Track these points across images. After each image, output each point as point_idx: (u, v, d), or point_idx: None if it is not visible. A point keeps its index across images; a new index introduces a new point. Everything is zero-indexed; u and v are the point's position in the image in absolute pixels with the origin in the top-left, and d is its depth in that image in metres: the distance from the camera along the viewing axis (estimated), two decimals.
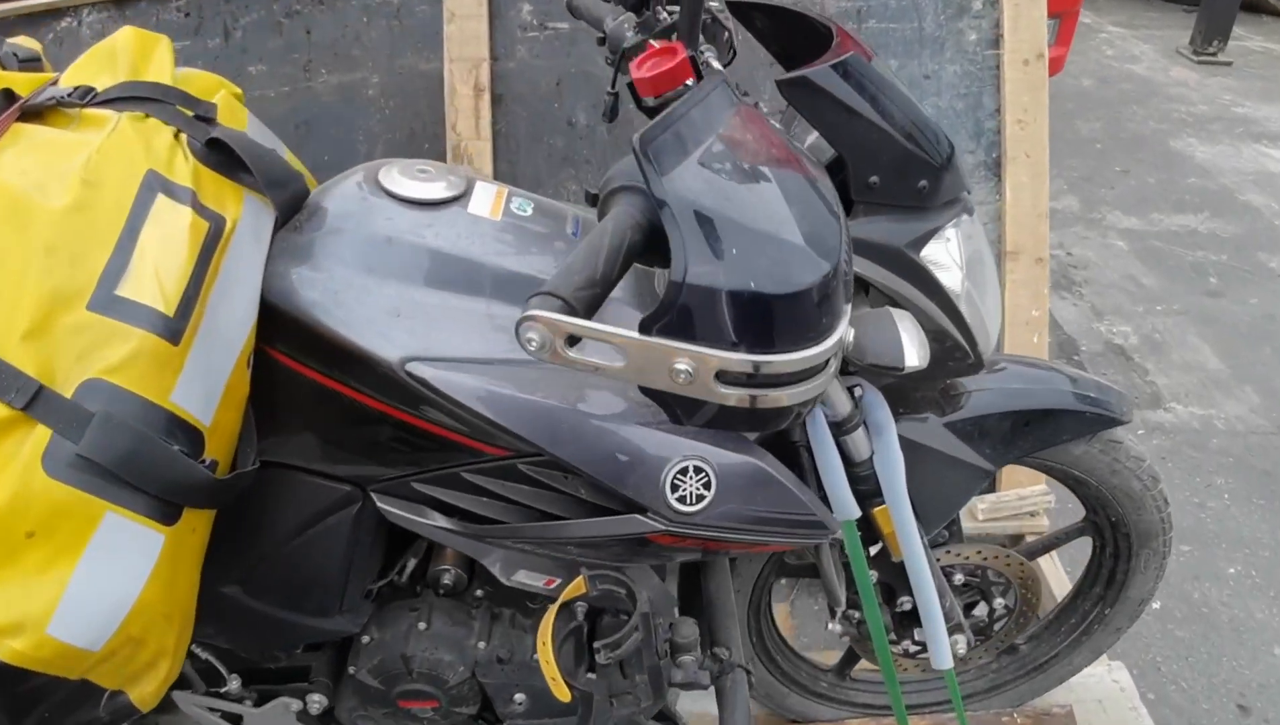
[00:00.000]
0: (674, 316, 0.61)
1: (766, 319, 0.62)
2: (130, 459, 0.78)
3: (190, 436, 0.84)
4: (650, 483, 0.90)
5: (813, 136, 0.95)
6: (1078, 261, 3.48)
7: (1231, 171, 4.27)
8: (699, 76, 0.87)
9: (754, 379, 0.62)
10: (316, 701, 1.24)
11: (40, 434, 0.76)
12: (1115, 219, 3.80)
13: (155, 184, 0.85)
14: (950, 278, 0.95)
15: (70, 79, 0.96)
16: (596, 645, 0.98)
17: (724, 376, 0.62)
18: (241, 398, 0.92)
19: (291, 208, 0.97)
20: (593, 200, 0.74)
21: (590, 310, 0.62)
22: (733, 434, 0.92)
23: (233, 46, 1.89)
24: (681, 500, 0.91)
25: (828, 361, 0.65)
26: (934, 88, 1.94)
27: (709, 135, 0.68)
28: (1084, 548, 1.51)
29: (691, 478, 0.91)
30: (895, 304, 0.92)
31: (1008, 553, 1.34)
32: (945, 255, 0.94)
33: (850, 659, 1.53)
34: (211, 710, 1.25)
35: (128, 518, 0.80)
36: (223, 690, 1.23)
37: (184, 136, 0.92)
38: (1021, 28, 1.92)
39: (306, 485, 1.05)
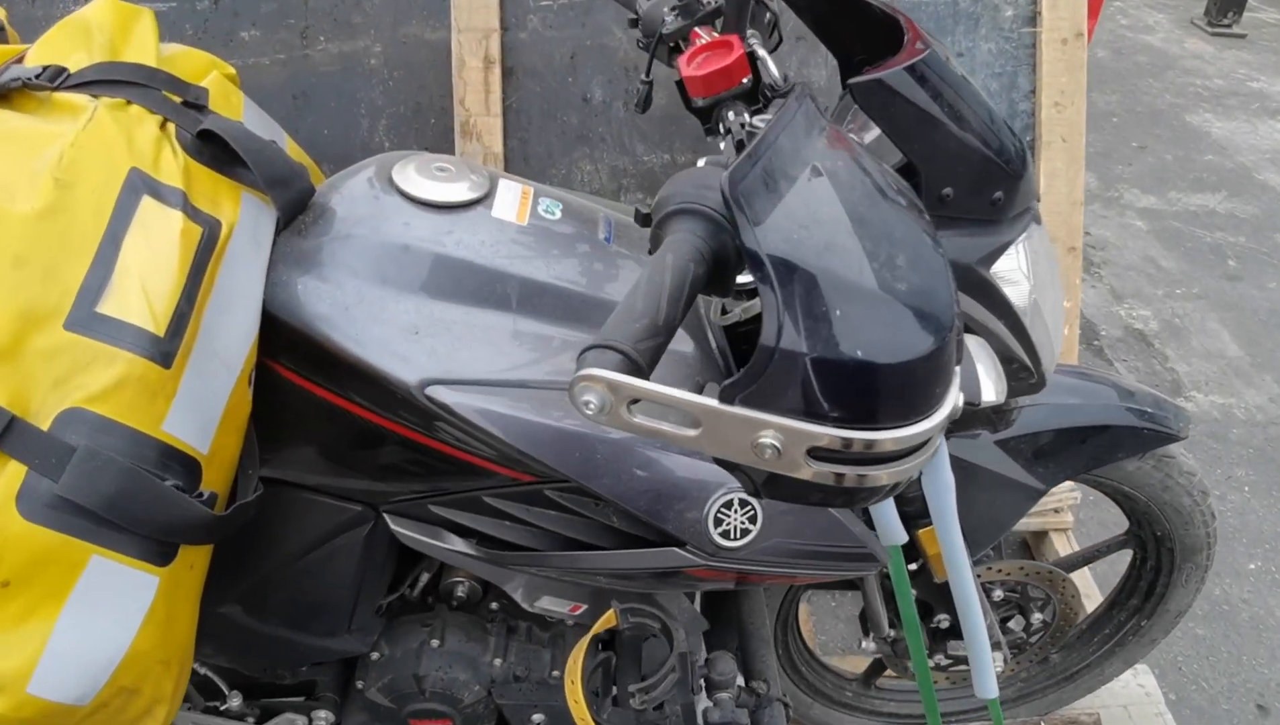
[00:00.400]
0: (762, 385, 0.53)
1: (872, 391, 0.54)
2: (117, 499, 0.70)
3: (186, 468, 0.76)
4: (692, 517, 0.83)
5: (873, 134, 0.86)
6: (1096, 242, 3.39)
7: (1249, 149, 4.17)
8: (755, 73, 0.78)
9: (852, 456, 0.54)
10: (322, 719, 1.18)
11: (14, 471, 0.68)
12: (1133, 197, 3.71)
13: (140, 184, 0.76)
14: (1018, 293, 0.88)
15: (38, 56, 0.86)
16: (631, 689, 0.91)
17: (817, 452, 0.54)
18: (242, 420, 0.83)
19: (295, 208, 0.88)
20: (644, 220, 0.65)
21: (653, 363, 0.54)
22: None
23: (222, 10, 1.77)
24: (725, 535, 0.84)
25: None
26: (967, 66, 1.84)
27: (801, 168, 0.59)
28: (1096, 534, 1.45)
29: (736, 511, 0.83)
30: (964, 327, 0.84)
31: (1050, 568, 1.27)
32: (1015, 270, 0.86)
33: (877, 668, 1.47)
34: None
35: (116, 561, 0.72)
36: (223, 708, 1.17)
37: (171, 127, 0.83)
38: (1061, 4, 1.82)
39: (314, 505, 0.97)
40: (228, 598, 1.01)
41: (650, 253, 0.64)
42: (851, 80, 0.72)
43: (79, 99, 0.81)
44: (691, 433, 0.55)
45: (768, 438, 0.54)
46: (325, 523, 0.98)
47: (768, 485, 0.58)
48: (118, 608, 0.72)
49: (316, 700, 1.19)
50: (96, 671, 0.72)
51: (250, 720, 1.19)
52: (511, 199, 0.93)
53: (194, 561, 0.79)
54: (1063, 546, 1.90)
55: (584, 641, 0.93)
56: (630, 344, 0.52)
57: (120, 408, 0.71)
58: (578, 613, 1.01)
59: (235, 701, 1.16)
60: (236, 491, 0.86)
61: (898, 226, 0.61)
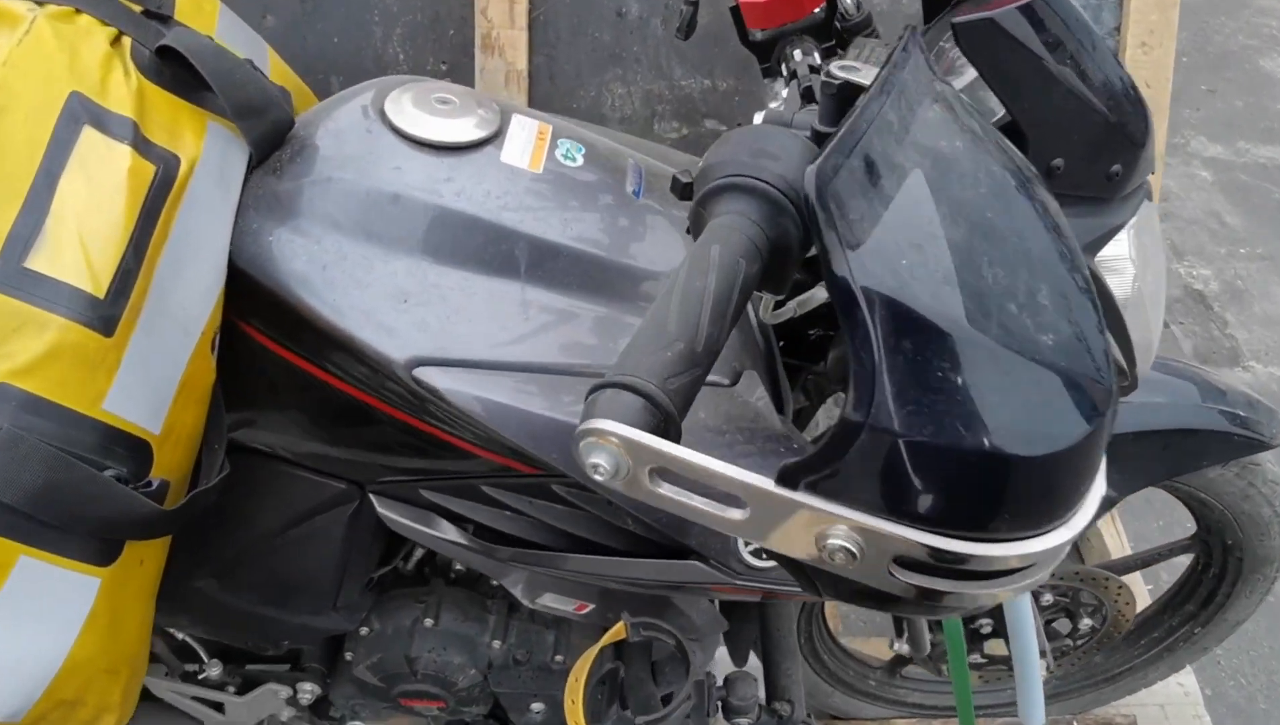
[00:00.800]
0: (841, 470, 0.40)
1: (998, 493, 0.40)
2: (45, 494, 0.59)
3: (133, 451, 0.65)
4: (719, 533, 0.71)
5: (964, 80, 0.72)
6: (1159, 191, 3.18)
7: None
8: (829, 2, 0.63)
9: (955, 571, 0.41)
10: (308, 692, 1.10)
11: None
12: (1200, 145, 3.47)
13: (80, 112, 0.63)
14: (1121, 283, 0.74)
15: None
16: (639, 721, 0.81)
17: (906, 561, 0.41)
18: (204, 390, 0.72)
19: (269, 142, 0.75)
20: (683, 191, 0.52)
21: (688, 405, 0.41)
22: None
23: None
24: (757, 553, 0.72)
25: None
26: None
27: (913, 157, 0.44)
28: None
29: None
30: None
31: (1107, 576, 1.16)
32: (1121, 256, 0.73)
33: (902, 657, 1.38)
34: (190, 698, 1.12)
35: (49, 562, 0.62)
36: (201, 677, 1.09)
37: (127, 42, 0.69)
38: None
39: (292, 478, 0.86)
40: (201, 571, 0.92)
41: (689, 231, 0.50)
42: (956, 19, 0.57)
43: (18, 6, 0.68)
44: (735, 515, 0.42)
45: (839, 538, 0.41)
46: (304, 500, 0.87)
47: (827, 584, 0.46)
48: (52, 614, 0.62)
49: (302, 671, 1.11)
50: (30, 685, 0.62)
51: (230, 689, 1.11)
52: (525, 140, 0.79)
53: (145, 556, 0.69)
54: (1106, 529, 1.78)
55: (588, 657, 0.82)
56: (658, 381, 0.40)
57: (52, 383, 0.60)
58: (584, 612, 0.91)
59: (214, 670, 1.08)
60: (201, 469, 0.75)
61: (1037, 244, 0.46)
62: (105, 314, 0.62)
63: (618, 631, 0.82)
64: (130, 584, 0.68)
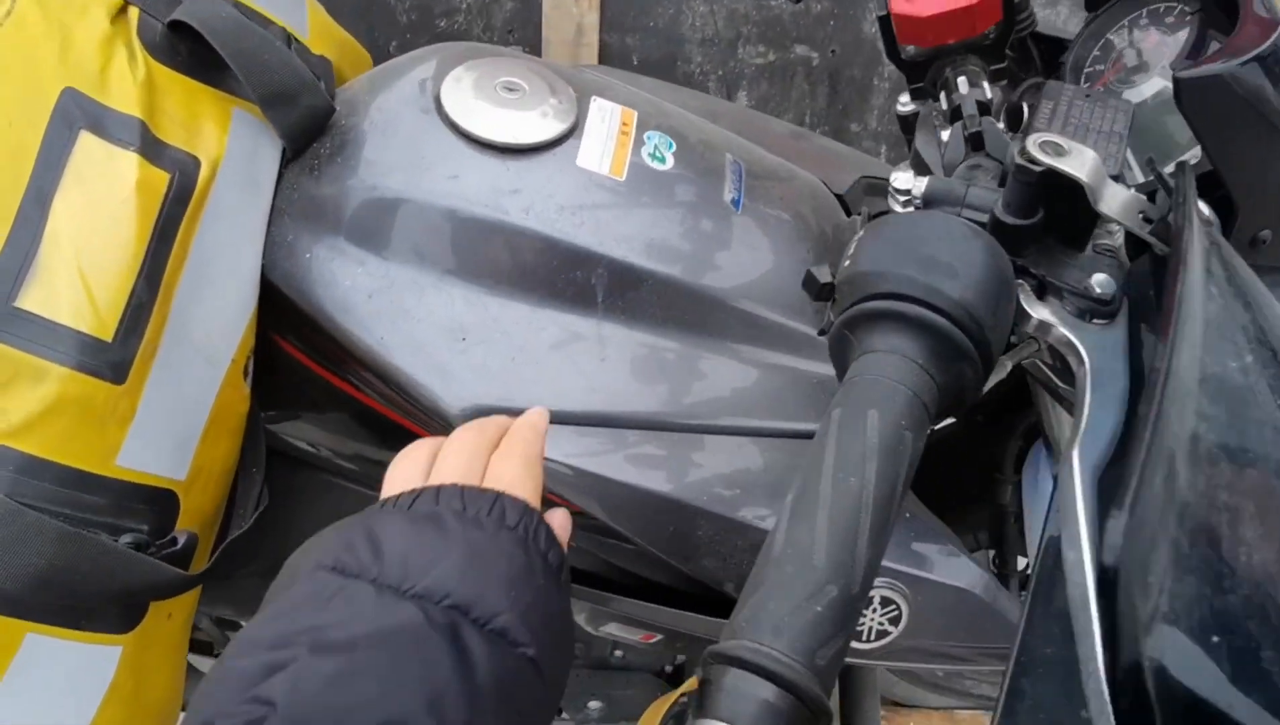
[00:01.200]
0: None
1: None
2: (51, 574, 0.52)
3: (155, 505, 0.57)
4: None
5: (1143, 91, 0.57)
6: None
7: None
8: (1007, 12, 0.49)
9: None
10: None
11: None
12: None
13: (75, 113, 0.53)
14: None
15: None
16: None
17: None
18: (238, 419, 0.64)
19: (305, 132, 0.63)
20: (821, 292, 0.39)
21: (836, 672, 0.31)
22: (944, 545, 0.63)
23: None
24: (856, 636, 0.63)
25: None
26: None
27: (1210, 415, 0.30)
28: None
29: (876, 611, 0.62)
30: None
31: None
32: None
33: None
34: None
35: (61, 638, 0.55)
36: None
37: (134, 15, 0.58)
38: None
39: (336, 488, 0.79)
40: (248, 568, 0.87)
41: (821, 333, 0.39)
42: (1181, 74, 0.43)
43: None
44: None
45: None
46: (350, 511, 0.80)
47: None
48: (69, 691, 0.56)
49: None
50: None
51: None
52: (606, 134, 0.66)
53: (173, 609, 0.62)
54: None
55: (660, 709, 0.75)
56: (805, 658, 0.29)
57: (54, 442, 0.52)
58: (651, 642, 0.83)
59: None
60: (236, 498, 0.68)
61: None
62: (114, 359, 0.53)
63: (691, 684, 0.74)
64: (156, 644, 0.61)
